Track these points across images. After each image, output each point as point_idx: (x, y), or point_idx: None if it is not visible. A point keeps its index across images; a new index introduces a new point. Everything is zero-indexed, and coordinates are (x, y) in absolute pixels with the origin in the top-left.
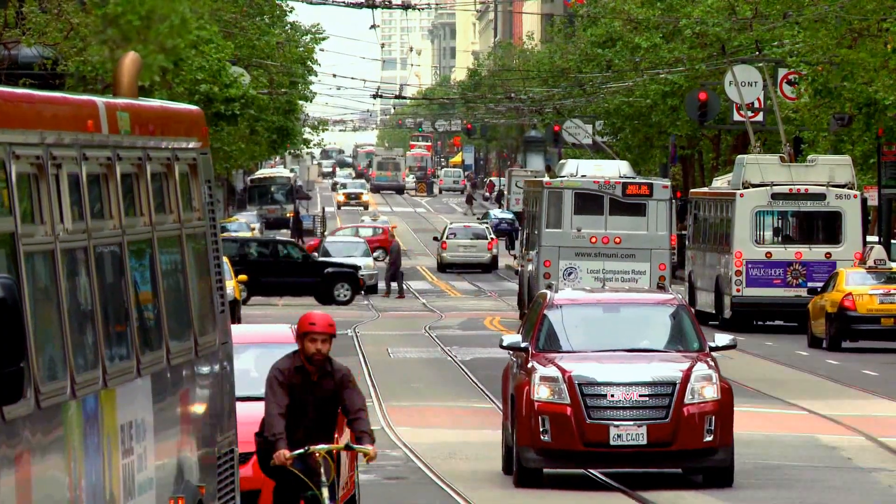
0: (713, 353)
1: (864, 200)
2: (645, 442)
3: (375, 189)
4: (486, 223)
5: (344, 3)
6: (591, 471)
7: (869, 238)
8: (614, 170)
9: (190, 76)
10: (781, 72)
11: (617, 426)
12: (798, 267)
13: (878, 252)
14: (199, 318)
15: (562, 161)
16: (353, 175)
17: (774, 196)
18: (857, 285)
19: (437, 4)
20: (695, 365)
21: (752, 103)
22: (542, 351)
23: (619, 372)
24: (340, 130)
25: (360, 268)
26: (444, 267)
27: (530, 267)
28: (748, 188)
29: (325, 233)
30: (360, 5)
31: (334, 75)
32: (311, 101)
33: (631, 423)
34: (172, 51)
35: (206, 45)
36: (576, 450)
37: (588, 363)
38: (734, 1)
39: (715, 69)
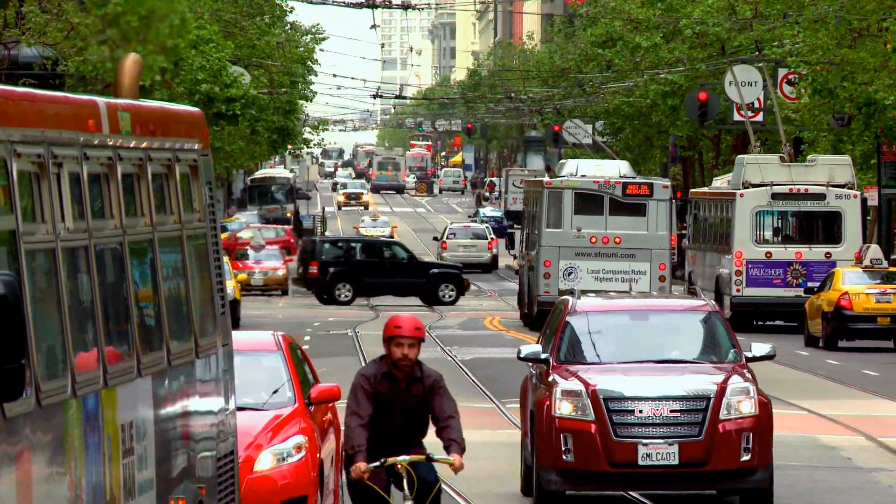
0: (749, 364)
1: (863, 200)
2: (676, 462)
3: (375, 189)
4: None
5: (344, 3)
6: (618, 493)
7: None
8: (614, 170)
9: (190, 76)
10: (781, 72)
11: (646, 445)
12: (798, 267)
13: (875, 251)
14: (199, 318)
15: (562, 161)
16: (353, 175)
17: (774, 196)
18: (853, 284)
19: (437, 4)
20: (730, 377)
21: (752, 103)
22: (563, 363)
23: (647, 385)
24: (340, 130)
25: (463, 268)
26: None
27: (530, 267)
28: (748, 188)
29: (325, 233)
30: (360, 5)
31: (334, 75)
32: (311, 101)
33: (661, 441)
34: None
35: (206, 45)
36: (601, 471)
37: (614, 376)
38: (734, 1)
39: (715, 69)
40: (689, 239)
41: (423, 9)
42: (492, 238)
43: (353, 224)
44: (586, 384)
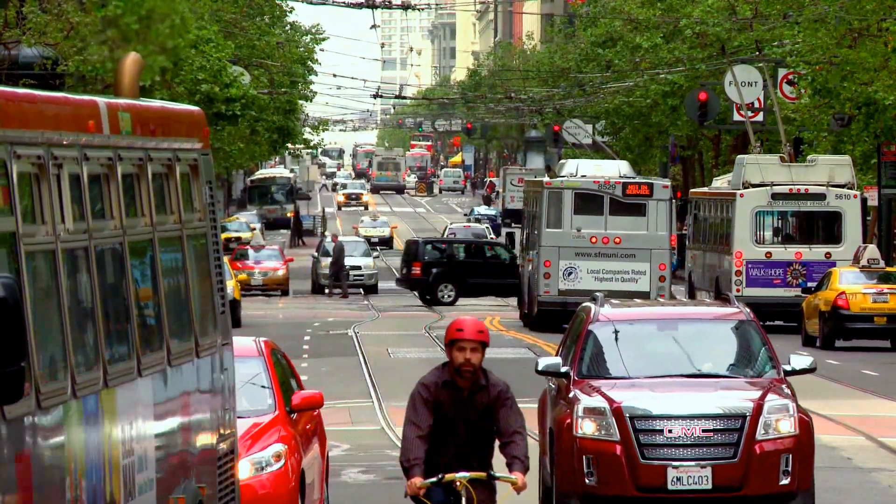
0: (788, 379)
1: (863, 200)
2: (710, 486)
3: (375, 189)
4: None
5: (344, 3)
6: None
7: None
8: (614, 170)
9: (190, 76)
10: (781, 72)
11: (676, 467)
12: (798, 267)
13: (872, 251)
14: (199, 318)
15: (562, 161)
16: (353, 175)
17: (774, 196)
18: (850, 284)
19: (437, 4)
20: (767, 393)
21: (752, 103)
22: (585, 377)
23: (677, 402)
24: (340, 130)
25: None
26: None
27: (530, 267)
28: (748, 188)
29: (325, 233)
30: (360, 5)
31: (334, 75)
32: (311, 101)
33: (693, 463)
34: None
35: (206, 45)
36: (627, 496)
37: (641, 392)
38: (734, 1)
39: (715, 69)
40: (689, 239)
41: (423, 9)
42: (491, 238)
43: (352, 224)
44: (610, 401)
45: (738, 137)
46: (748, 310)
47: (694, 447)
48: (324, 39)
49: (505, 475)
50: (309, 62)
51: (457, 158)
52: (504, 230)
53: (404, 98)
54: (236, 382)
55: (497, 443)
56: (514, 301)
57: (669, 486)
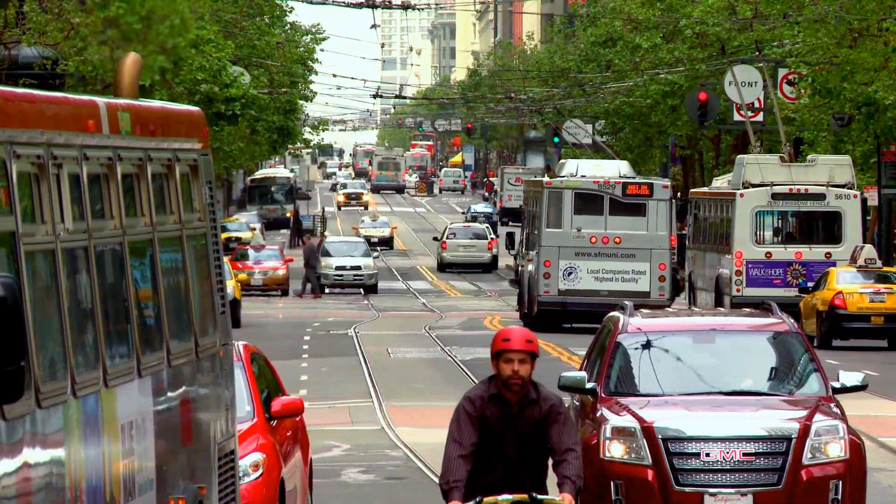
0: (837, 397)
1: (863, 200)
2: None
3: (375, 189)
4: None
5: (344, 3)
6: None
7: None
8: (614, 170)
9: (190, 76)
10: (781, 72)
11: (714, 494)
12: (798, 267)
13: (868, 251)
14: (199, 318)
15: (562, 161)
16: (353, 175)
17: (774, 196)
18: (847, 284)
19: (437, 4)
20: (815, 413)
21: (752, 103)
22: (613, 394)
23: (716, 423)
24: (340, 130)
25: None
26: (444, 267)
27: (530, 267)
28: (748, 188)
29: (325, 233)
30: (360, 5)
31: (334, 75)
32: (311, 101)
33: (732, 490)
34: (172, 51)
35: (207, 45)
36: None
37: (675, 411)
38: (734, 1)
39: (715, 69)
40: (689, 239)
41: (423, 9)
42: (492, 238)
43: (352, 224)
44: (641, 421)
45: (738, 137)
46: (792, 320)
47: (733, 472)
48: (324, 39)
49: (549, 497)
50: (309, 62)
51: (457, 158)
52: (502, 229)
53: (404, 98)
54: None
55: (550, 461)
56: (514, 301)
57: None
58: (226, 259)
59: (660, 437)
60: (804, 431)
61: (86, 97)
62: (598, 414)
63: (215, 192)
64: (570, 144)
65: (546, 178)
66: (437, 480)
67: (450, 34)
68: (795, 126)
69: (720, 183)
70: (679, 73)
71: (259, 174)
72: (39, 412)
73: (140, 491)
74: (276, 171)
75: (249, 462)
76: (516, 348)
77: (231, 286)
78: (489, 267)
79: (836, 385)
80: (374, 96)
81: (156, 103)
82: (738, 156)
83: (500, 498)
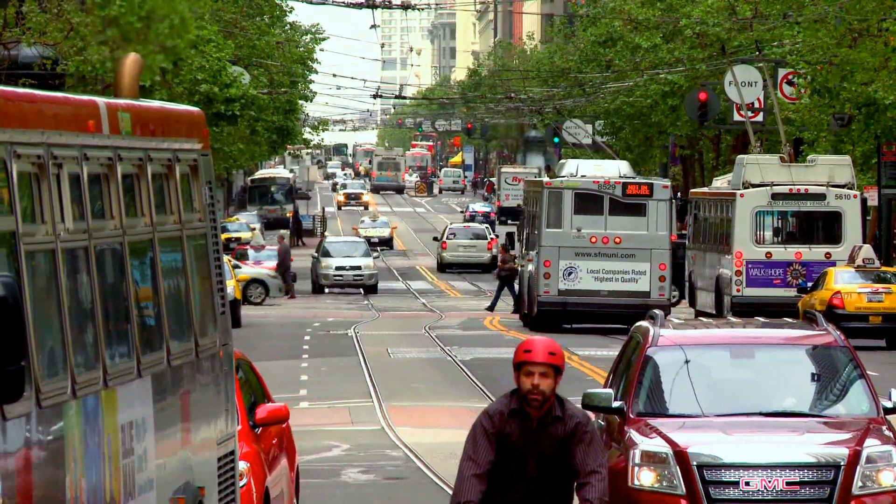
0: (889, 418)
1: (863, 201)
2: None
3: (375, 189)
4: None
5: (344, 3)
6: None
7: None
8: (614, 170)
9: (190, 76)
10: (781, 72)
11: None
12: (798, 267)
13: (867, 251)
14: (199, 318)
15: (562, 161)
16: (353, 175)
17: (774, 196)
18: (845, 284)
19: (437, 4)
20: (865, 437)
21: (752, 103)
22: (643, 414)
23: (756, 448)
24: (340, 130)
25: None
26: (444, 267)
27: (530, 267)
28: (748, 188)
29: (325, 233)
30: (360, 5)
31: (334, 75)
32: (311, 101)
33: None
34: (172, 51)
35: (207, 45)
36: None
37: (711, 434)
38: (734, 1)
39: (715, 69)
40: (689, 239)
41: (423, 9)
42: (492, 238)
43: (352, 224)
44: (674, 445)
45: (738, 137)
46: (839, 333)
47: (776, 503)
48: (324, 39)
49: None
50: (309, 62)
51: (457, 158)
52: (501, 228)
53: (404, 98)
54: None
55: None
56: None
57: None
58: (226, 259)
59: (694, 463)
60: (854, 458)
61: (86, 97)
62: (626, 436)
63: (215, 192)
64: (570, 144)
65: (546, 178)
66: (436, 480)
67: (450, 34)
68: (795, 126)
69: (720, 183)
70: (679, 73)
71: (259, 174)
72: (39, 412)
73: (140, 491)
74: (276, 171)
75: None
76: (538, 360)
77: (231, 286)
78: (489, 267)
79: (888, 405)
80: (374, 96)
81: (156, 103)
82: (738, 156)
83: None
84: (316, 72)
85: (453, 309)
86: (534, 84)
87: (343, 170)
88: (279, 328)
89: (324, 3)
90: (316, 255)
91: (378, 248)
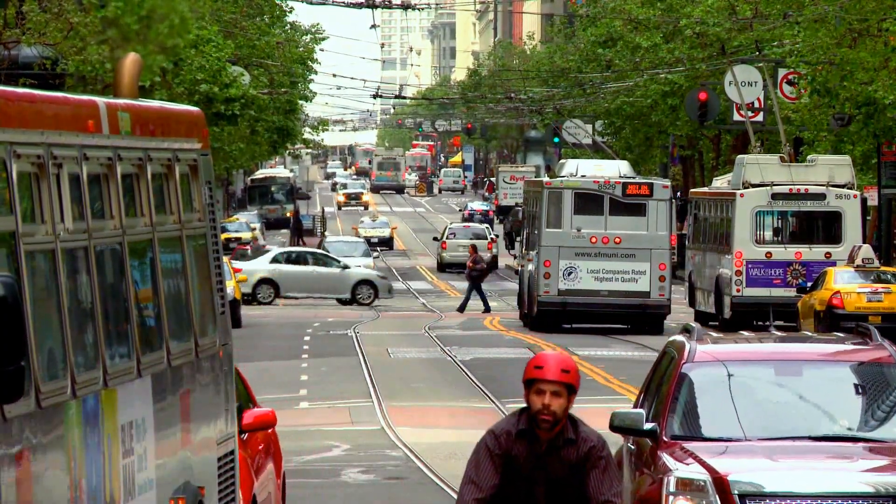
0: None
1: (863, 200)
2: None
3: (375, 189)
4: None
5: (344, 3)
6: None
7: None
8: (614, 170)
9: (190, 76)
10: (781, 72)
11: None
12: (798, 267)
13: (866, 251)
14: (199, 318)
15: (562, 161)
16: (353, 175)
17: (774, 196)
18: (845, 284)
19: (437, 4)
20: None
21: (752, 103)
22: (678, 438)
23: (805, 476)
24: (340, 130)
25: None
26: (444, 267)
27: (530, 267)
28: (748, 188)
29: (325, 233)
30: (360, 5)
31: (334, 75)
32: (311, 101)
33: None
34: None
35: (207, 45)
36: None
37: (754, 460)
38: (734, 1)
39: (715, 69)
40: (689, 239)
41: (423, 9)
42: (492, 238)
43: (352, 224)
44: (713, 472)
45: (738, 137)
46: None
47: None
48: (324, 39)
49: None
50: (309, 62)
51: (457, 158)
52: (500, 227)
53: (404, 98)
54: None
55: None
56: (514, 301)
57: None
58: (225, 259)
59: (736, 492)
60: None
61: (86, 97)
62: (659, 462)
63: (215, 192)
64: (570, 144)
65: (546, 178)
66: (436, 480)
67: (450, 34)
68: (795, 126)
69: (720, 183)
70: (679, 73)
71: (259, 174)
72: (39, 412)
73: (140, 491)
74: (276, 171)
75: None
76: (549, 378)
77: (231, 286)
78: (490, 267)
79: None
80: (374, 96)
81: (155, 103)
82: (738, 156)
83: None
84: (316, 72)
85: (453, 309)
86: (534, 84)
87: (345, 169)
88: (279, 328)
89: (324, 3)
90: None
91: (378, 249)
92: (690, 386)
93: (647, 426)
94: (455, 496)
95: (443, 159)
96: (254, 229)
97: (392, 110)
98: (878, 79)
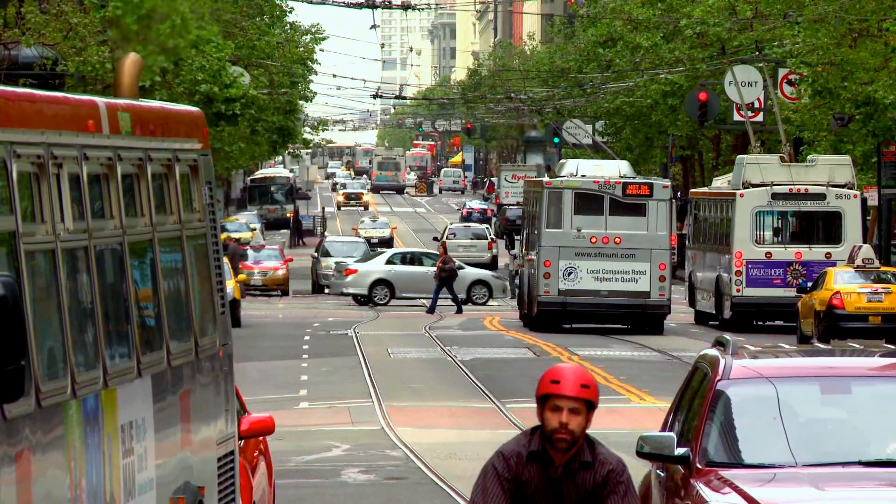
0: None
1: (863, 200)
2: None
3: (375, 189)
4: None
5: (344, 3)
6: None
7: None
8: (614, 170)
9: (190, 76)
10: (781, 72)
11: None
12: (798, 267)
13: (866, 251)
14: (199, 318)
15: (562, 161)
16: (353, 175)
17: (774, 196)
18: (845, 284)
19: (437, 4)
20: None
21: (752, 103)
22: (714, 464)
23: None
24: (340, 130)
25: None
26: None
27: (530, 267)
28: (748, 188)
29: (326, 232)
30: (360, 5)
31: (334, 75)
32: (311, 101)
33: None
34: (172, 51)
35: (207, 45)
36: None
37: (798, 489)
38: (734, 1)
39: (715, 69)
40: (689, 239)
41: (423, 9)
42: (492, 238)
43: (352, 224)
44: (753, 502)
45: (738, 137)
46: None
47: None
48: (324, 39)
49: None
50: (309, 62)
51: (457, 158)
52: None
53: (404, 98)
54: None
55: None
56: (513, 300)
57: None
58: (225, 259)
59: None
60: None
61: (86, 97)
62: (693, 492)
63: (215, 192)
64: (570, 144)
65: (546, 178)
66: (436, 480)
67: (450, 34)
68: (795, 126)
69: (720, 183)
70: (679, 73)
71: (259, 174)
72: (39, 412)
73: (140, 491)
74: (276, 171)
75: None
76: (567, 394)
77: (231, 286)
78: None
79: None
80: (374, 96)
81: (156, 103)
82: (738, 156)
83: None
84: (316, 72)
85: (453, 309)
86: (534, 84)
87: (346, 169)
88: (279, 328)
89: (324, 3)
90: (316, 254)
91: (378, 249)
92: (727, 406)
93: (679, 451)
94: (455, 496)
95: (443, 159)
96: (254, 229)
97: (392, 110)
98: (878, 79)
